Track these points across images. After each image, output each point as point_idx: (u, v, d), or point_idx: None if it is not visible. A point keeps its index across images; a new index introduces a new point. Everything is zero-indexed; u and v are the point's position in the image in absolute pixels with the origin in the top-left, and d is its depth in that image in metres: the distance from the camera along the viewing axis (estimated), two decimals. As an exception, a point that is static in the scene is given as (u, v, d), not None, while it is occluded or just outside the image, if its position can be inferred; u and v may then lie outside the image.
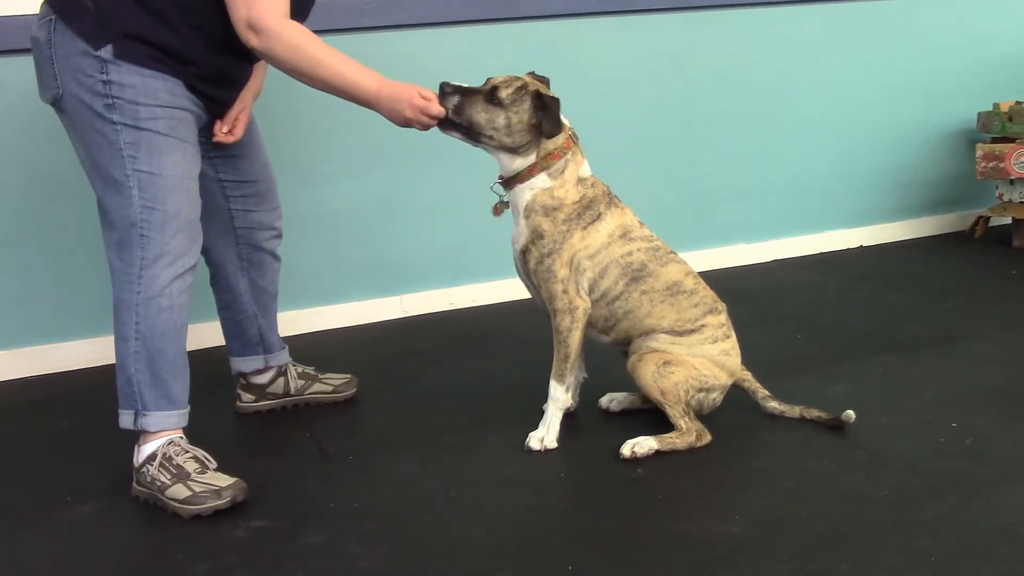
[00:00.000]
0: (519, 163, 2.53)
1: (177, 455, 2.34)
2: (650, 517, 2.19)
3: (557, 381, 2.55)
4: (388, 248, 3.96)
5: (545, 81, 2.63)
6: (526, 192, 2.54)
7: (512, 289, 4.12)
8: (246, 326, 2.86)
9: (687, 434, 2.50)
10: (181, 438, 2.39)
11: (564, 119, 2.53)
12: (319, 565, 2.02)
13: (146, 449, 2.36)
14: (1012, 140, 4.61)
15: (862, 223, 4.90)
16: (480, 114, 2.45)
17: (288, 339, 3.02)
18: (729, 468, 2.41)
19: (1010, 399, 2.71)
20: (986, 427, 2.53)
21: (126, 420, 2.38)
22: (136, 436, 2.39)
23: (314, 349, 3.41)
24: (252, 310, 2.84)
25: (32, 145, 3.33)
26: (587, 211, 2.54)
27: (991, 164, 4.61)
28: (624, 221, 2.59)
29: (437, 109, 2.40)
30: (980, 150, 4.64)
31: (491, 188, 2.65)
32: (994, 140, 4.71)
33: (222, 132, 2.57)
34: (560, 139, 2.53)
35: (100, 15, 2.25)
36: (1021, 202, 4.64)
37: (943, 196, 5.09)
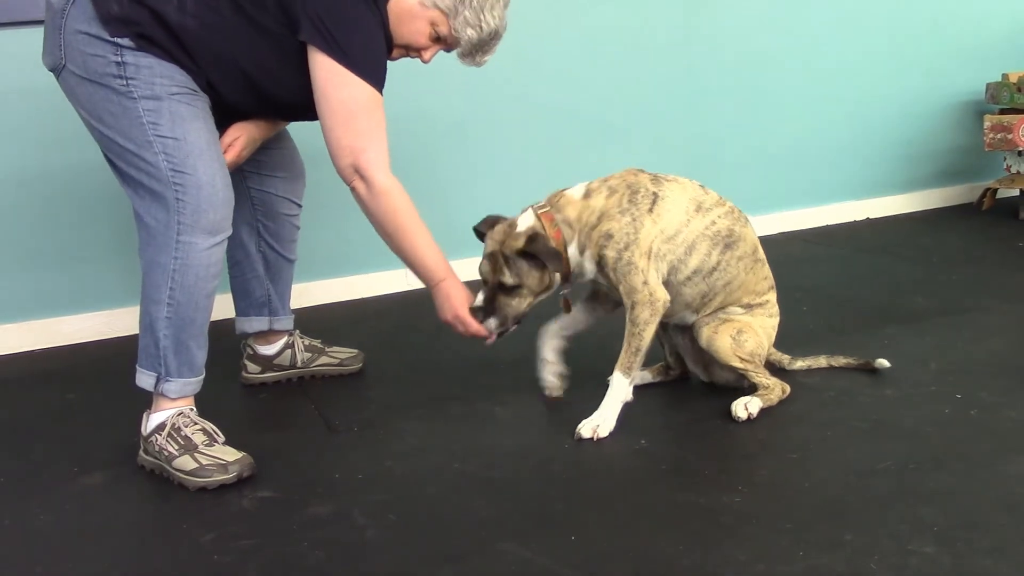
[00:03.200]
0: (557, 278, 2.51)
1: (186, 426, 2.34)
2: (654, 487, 2.20)
3: (623, 373, 2.46)
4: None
5: (490, 223, 2.58)
6: (580, 253, 2.50)
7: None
8: (254, 286, 2.86)
9: (774, 390, 2.54)
10: (191, 410, 2.39)
11: (525, 216, 2.50)
12: (325, 535, 2.03)
13: (155, 418, 2.37)
14: (1021, 111, 4.58)
15: (869, 195, 4.88)
16: (511, 307, 2.48)
17: (294, 311, 3.03)
18: (732, 439, 2.42)
19: (1016, 371, 2.70)
20: (991, 398, 2.53)
21: (146, 381, 2.37)
22: (145, 403, 2.40)
23: (320, 321, 3.42)
24: (261, 271, 2.85)
25: (38, 119, 3.32)
26: (636, 195, 2.47)
27: (999, 135, 4.58)
28: (688, 194, 2.53)
29: (476, 329, 2.49)
30: (988, 121, 4.62)
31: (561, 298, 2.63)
32: (1002, 111, 4.68)
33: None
34: (539, 224, 2.47)
35: (124, 14, 2.23)
36: (1029, 174, 4.62)
37: (950, 168, 5.07)
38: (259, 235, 2.80)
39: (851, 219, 4.81)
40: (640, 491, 2.19)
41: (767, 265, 2.65)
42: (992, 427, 2.38)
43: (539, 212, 2.49)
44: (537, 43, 4.02)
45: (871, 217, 4.85)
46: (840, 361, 2.75)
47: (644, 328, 2.44)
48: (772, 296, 2.65)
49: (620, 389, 2.47)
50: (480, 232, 2.59)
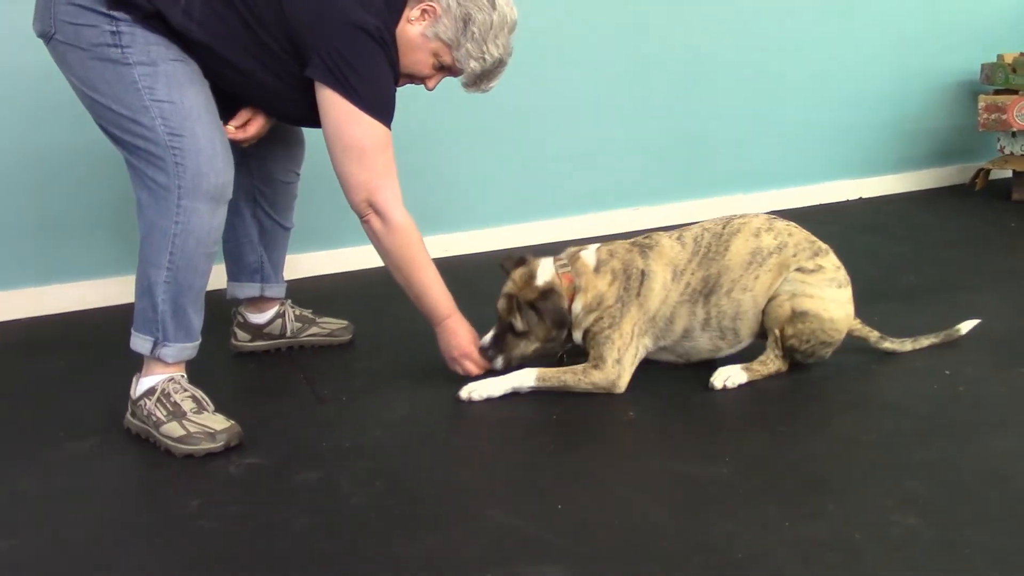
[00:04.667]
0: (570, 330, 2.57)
1: (176, 392, 2.33)
2: (641, 458, 2.21)
3: (537, 377, 2.50)
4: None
5: (515, 262, 2.64)
6: (579, 329, 2.57)
7: (510, 237, 4.12)
8: (247, 251, 2.85)
9: (774, 363, 2.54)
10: (182, 376, 2.38)
11: (544, 267, 2.57)
12: (311, 502, 2.04)
13: (145, 382, 2.36)
14: (1015, 92, 4.58)
15: (862, 174, 4.88)
16: (518, 349, 2.57)
17: (286, 284, 3.02)
18: (721, 412, 2.42)
19: (1004, 348, 2.71)
20: (978, 374, 2.54)
21: (143, 345, 2.35)
22: (136, 368, 2.39)
23: (310, 293, 3.41)
24: (256, 237, 2.84)
25: (28, 89, 3.30)
26: (630, 279, 2.53)
27: (993, 116, 4.58)
28: (666, 259, 2.55)
29: (478, 369, 2.59)
30: (982, 101, 4.61)
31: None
32: (997, 92, 4.68)
33: (232, 128, 2.52)
34: (557, 281, 2.54)
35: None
36: (1022, 155, 4.62)
37: (944, 148, 5.07)
38: (255, 201, 2.79)
39: (844, 198, 4.81)
40: (627, 462, 2.20)
41: (791, 242, 2.54)
42: (979, 402, 2.38)
43: (560, 270, 2.57)
44: (535, 27, 3.99)
45: (864, 196, 4.85)
46: (923, 343, 2.70)
47: (584, 387, 2.50)
48: (825, 260, 2.55)
49: (523, 380, 2.51)
50: (506, 269, 2.65)
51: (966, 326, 2.74)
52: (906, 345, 2.69)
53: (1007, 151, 4.68)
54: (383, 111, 2.41)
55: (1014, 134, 4.63)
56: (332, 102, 2.36)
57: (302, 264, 3.79)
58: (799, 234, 2.58)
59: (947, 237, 4.05)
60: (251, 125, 2.56)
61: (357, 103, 2.35)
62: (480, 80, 2.57)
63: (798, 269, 2.51)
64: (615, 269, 2.55)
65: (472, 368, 2.59)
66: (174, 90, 2.24)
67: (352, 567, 1.79)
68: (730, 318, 2.54)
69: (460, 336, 2.60)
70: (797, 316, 2.49)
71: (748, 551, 1.78)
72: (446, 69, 2.55)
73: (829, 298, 2.51)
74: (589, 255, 2.60)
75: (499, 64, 2.55)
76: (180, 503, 2.06)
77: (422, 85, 2.60)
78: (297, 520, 1.96)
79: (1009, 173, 4.75)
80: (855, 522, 1.85)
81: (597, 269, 2.56)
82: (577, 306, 2.55)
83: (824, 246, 2.59)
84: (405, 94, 3.82)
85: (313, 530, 1.92)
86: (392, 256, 2.53)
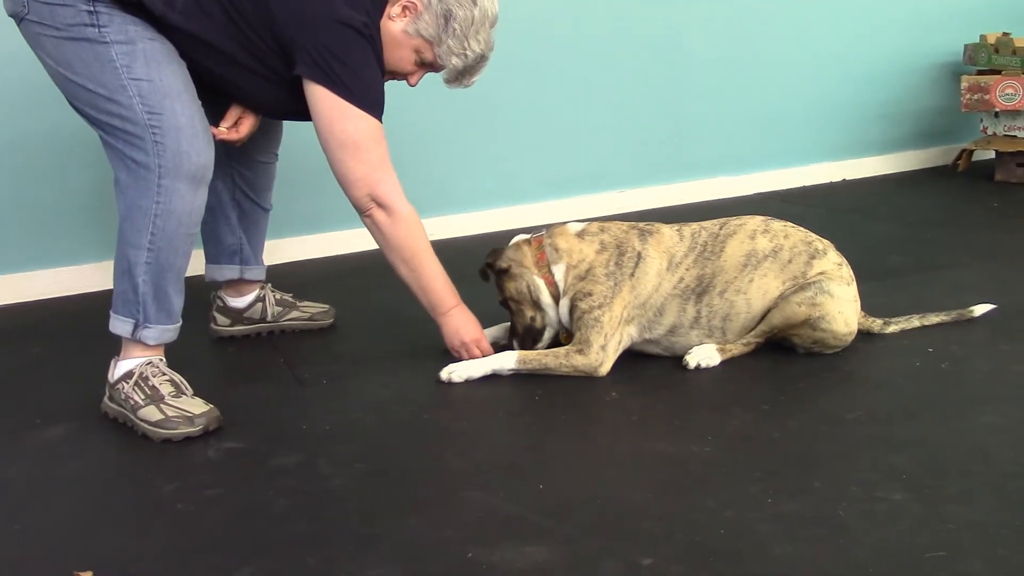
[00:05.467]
0: (543, 296, 2.56)
1: (154, 376, 2.30)
2: (623, 437, 2.19)
3: (518, 360, 2.49)
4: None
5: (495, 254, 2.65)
6: (566, 297, 2.54)
7: (495, 220, 4.10)
8: (225, 233, 2.81)
9: (749, 345, 2.54)
10: (161, 360, 2.35)
11: (515, 242, 2.62)
12: (290, 484, 2.01)
13: (123, 366, 2.33)
14: (998, 72, 4.57)
15: (845, 156, 4.88)
16: (519, 323, 2.60)
17: (268, 269, 2.99)
18: (703, 391, 2.41)
19: (987, 325, 2.70)
20: (962, 352, 2.53)
21: (123, 327, 2.31)
22: (111, 351, 2.36)
23: (293, 278, 3.39)
24: (235, 219, 2.80)
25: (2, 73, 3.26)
26: (624, 256, 2.50)
27: (976, 96, 4.58)
28: (664, 247, 2.53)
29: (480, 356, 2.56)
30: (965, 82, 4.61)
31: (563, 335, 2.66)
32: (980, 72, 4.67)
33: (224, 129, 2.51)
34: (521, 253, 2.57)
35: None
36: (1005, 135, 4.62)
37: (927, 129, 5.07)
38: (234, 182, 2.76)
39: (828, 180, 4.80)
40: (609, 441, 2.18)
41: (787, 244, 2.52)
42: (963, 379, 2.38)
43: (532, 236, 2.61)
44: (516, 7, 3.97)
45: (847, 178, 4.84)
46: (932, 320, 2.69)
47: (565, 371, 2.47)
48: (823, 263, 2.52)
49: (503, 362, 2.50)
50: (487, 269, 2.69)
51: (980, 309, 2.73)
52: (912, 322, 2.68)
53: (990, 131, 4.68)
54: (374, 105, 2.39)
55: (997, 114, 4.63)
56: (322, 98, 2.34)
57: (283, 249, 3.76)
58: (795, 236, 2.56)
59: (931, 217, 4.04)
60: (242, 124, 2.54)
61: (348, 98, 2.33)
62: (462, 76, 2.54)
63: (820, 272, 2.50)
64: (605, 241, 2.53)
65: (478, 353, 2.57)
66: (152, 68, 2.20)
67: (331, 548, 1.77)
68: (720, 318, 2.52)
69: (464, 327, 2.58)
70: (810, 323, 2.47)
71: (731, 528, 1.76)
72: (428, 65, 2.52)
73: (849, 312, 2.50)
74: (573, 224, 2.60)
75: (480, 60, 2.52)
76: (157, 487, 2.03)
77: (404, 81, 2.57)
78: (276, 503, 1.94)
79: (992, 154, 4.75)
80: (840, 498, 1.84)
81: (581, 235, 2.55)
82: (558, 271, 2.53)
83: (822, 245, 2.57)
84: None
85: (292, 512, 1.90)
86: (399, 249, 2.50)
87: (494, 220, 4.10)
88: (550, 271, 2.54)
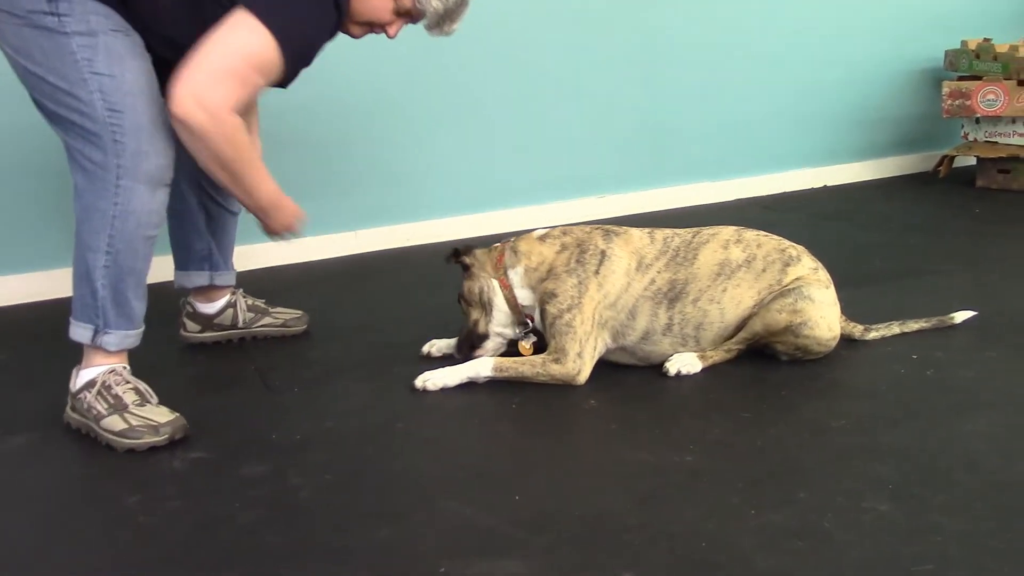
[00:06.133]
0: (497, 299, 2.51)
1: (117, 385, 2.22)
2: (602, 446, 2.13)
3: (494, 368, 2.42)
4: (344, 182, 3.86)
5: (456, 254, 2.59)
6: (524, 294, 2.50)
7: (471, 226, 4.04)
8: (194, 239, 2.74)
9: (730, 352, 2.49)
10: (124, 368, 2.27)
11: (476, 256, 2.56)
12: (257, 495, 1.94)
13: (85, 375, 2.25)
14: (979, 78, 4.55)
15: (826, 163, 4.85)
16: (468, 320, 2.56)
17: (240, 275, 2.92)
18: (684, 399, 2.35)
19: (971, 332, 2.66)
20: (946, 359, 2.49)
21: (82, 334, 2.23)
22: (77, 358, 2.28)
23: (266, 284, 3.31)
24: (203, 224, 2.72)
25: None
26: (585, 254, 2.44)
27: (957, 102, 4.56)
28: (632, 247, 2.48)
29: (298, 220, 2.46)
30: (947, 87, 4.59)
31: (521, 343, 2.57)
32: (961, 78, 4.65)
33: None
34: (485, 255, 2.54)
35: None
36: (986, 141, 4.60)
37: (908, 136, 5.05)
38: (200, 186, 2.67)
39: (808, 186, 4.77)
40: (588, 450, 2.13)
41: (760, 253, 2.49)
42: (948, 386, 2.33)
43: (502, 242, 2.57)
44: (494, 10, 3.91)
45: (828, 184, 4.81)
46: (913, 326, 2.65)
47: (542, 379, 2.41)
48: (798, 269, 2.48)
49: (479, 369, 2.43)
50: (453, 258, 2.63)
51: (961, 316, 2.69)
52: (893, 329, 2.65)
53: (971, 137, 4.66)
54: (287, 36, 2.12)
55: (978, 120, 4.61)
56: (232, 13, 2.12)
57: (256, 254, 3.68)
58: (768, 244, 2.52)
59: (912, 223, 4.01)
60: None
61: (257, 13, 2.09)
62: (443, 21, 2.40)
63: (797, 279, 2.46)
64: (566, 242, 2.49)
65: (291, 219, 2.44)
66: (115, 63, 2.13)
67: (298, 561, 1.70)
68: (693, 327, 2.47)
69: (289, 206, 2.43)
70: (791, 330, 2.42)
71: (713, 539, 1.71)
72: (406, 14, 2.38)
73: (831, 316, 2.45)
74: (538, 231, 2.56)
75: (462, 3, 2.40)
76: (119, 499, 1.95)
77: (383, 34, 2.43)
78: (242, 514, 1.87)
79: (973, 160, 4.73)
80: (824, 509, 1.79)
81: (543, 239, 2.52)
82: (516, 275, 2.49)
83: (795, 251, 2.52)
84: (363, 80, 3.74)
85: (258, 524, 1.83)
86: (224, 146, 2.15)
87: (473, 225, 4.05)
88: (507, 274, 2.50)
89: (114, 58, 2.13)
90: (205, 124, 2.09)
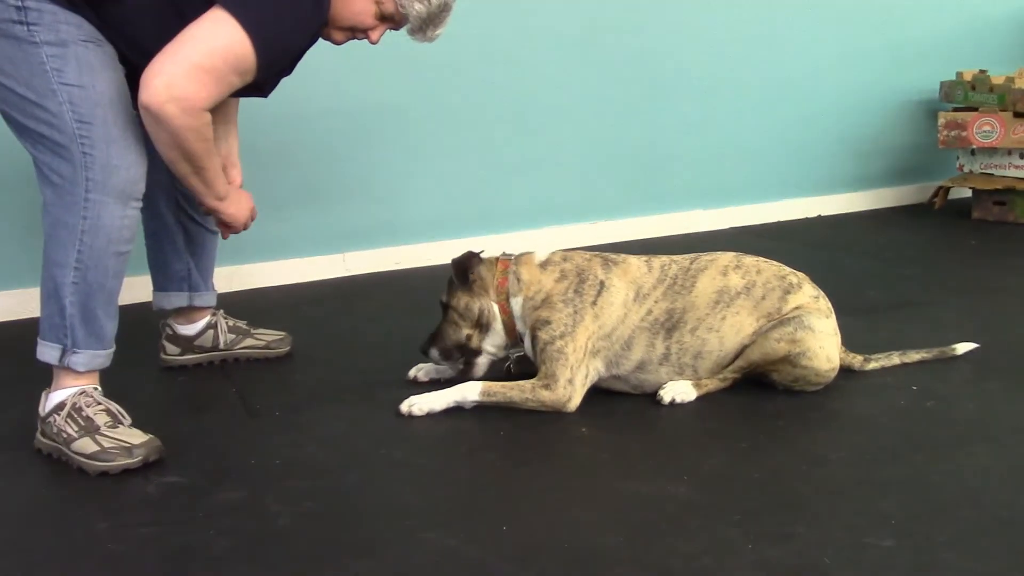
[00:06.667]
0: (496, 324, 2.46)
1: (88, 406, 2.14)
2: (593, 475, 2.05)
3: (482, 392, 2.35)
4: (332, 204, 3.79)
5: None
6: (521, 322, 2.44)
7: (462, 250, 3.96)
8: (172, 259, 2.66)
9: (725, 381, 2.42)
10: (96, 389, 2.19)
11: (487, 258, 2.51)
12: (232, 522, 1.86)
13: (55, 397, 2.16)
14: (975, 109, 4.52)
15: (821, 192, 4.80)
16: (447, 334, 2.48)
17: (223, 296, 2.85)
18: (678, 429, 2.28)
19: (971, 363, 2.60)
20: (947, 390, 2.42)
21: (50, 354, 2.15)
22: (47, 380, 2.19)
23: (250, 306, 3.23)
24: (181, 244, 2.65)
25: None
26: (584, 283, 2.38)
27: (953, 133, 4.52)
28: (631, 277, 2.41)
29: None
30: (942, 118, 4.56)
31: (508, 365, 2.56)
32: (956, 109, 4.62)
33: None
34: (489, 273, 2.47)
35: None
36: (982, 173, 4.56)
37: (903, 167, 5.01)
38: (177, 204, 2.60)
39: (803, 215, 4.72)
40: (579, 480, 2.05)
41: (760, 280, 2.42)
42: (950, 418, 2.27)
43: (500, 257, 2.49)
44: (490, 33, 3.87)
45: (823, 214, 4.76)
46: (914, 357, 2.59)
47: (531, 405, 2.34)
48: (798, 298, 2.41)
49: (466, 393, 2.36)
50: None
51: (963, 347, 2.63)
52: (893, 359, 2.58)
53: (966, 169, 4.62)
54: (261, 37, 2.06)
55: (973, 152, 4.57)
56: (209, 11, 2.07)
57: (240, 276, 3.61)
58: (768, 271, 2.45)
59: (908, 254, 3.96)
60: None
61: (233, 11, 2.04)
62: (426, 26, 2.34)
63: (797, 307, 2.40)
64: (566, 270, 2.42)
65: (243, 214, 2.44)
66: (85, 74, 2.06)
67: (273, 595, 1.62)
68: (692, 356, 2.40)
69: (246, 198, 2.45)
70: (790, 360, 2.36)
71: (708, 575, 1.63)
72: (389, 19, 2.32)
73: (830, 347, 2.39)
74: (540, 253, 2.49)
75: (444, 8, 2.34)
76: (88, 525, 1.87)
77: (366, 40, 2.36)
78: (216, 543, 1.78)
79: (968, 192, 4.69)
80: (825, 544, 1.71)
81: (544, 266, 2.44)
82: (516, 304, 2.43)
83: (796, 279, 2.46)
84: (357, 104, 3.68)
85: (232, 553, 1.74)
86: (194, 142, 2.10)
87: (465, 249, 3.96)
88: (508, 301, 2.43)
89: (84, 68, 2.06)
90: (175, 116, 2.03)
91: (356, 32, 2.34)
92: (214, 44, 2.05)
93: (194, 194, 2.33)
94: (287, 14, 2.13)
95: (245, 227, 2.49)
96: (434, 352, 2.48)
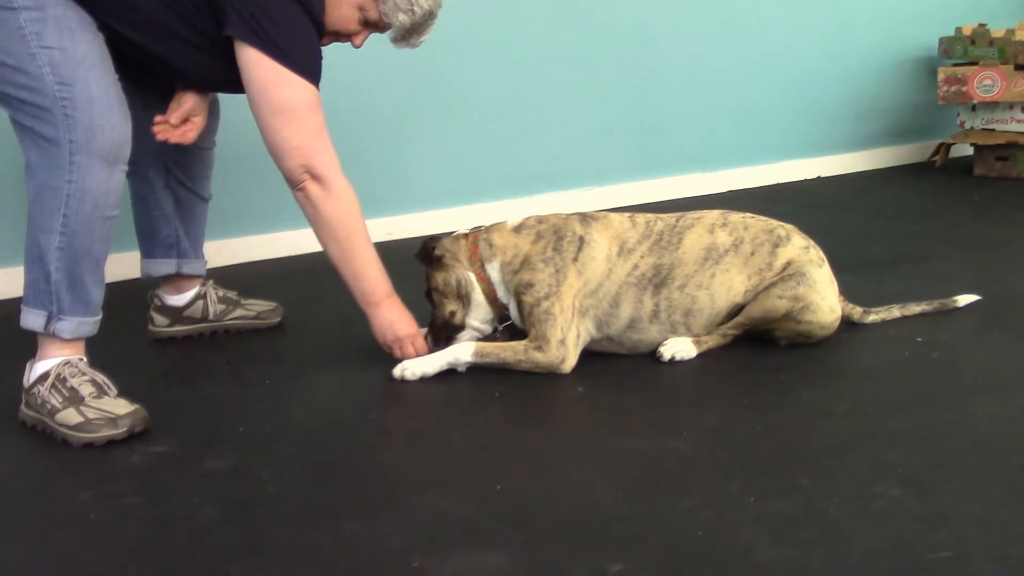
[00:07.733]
0: (476, 295, 2.40)
1: (72, 377, 2.08)
2: (591, 434, 2.00)
3: (475, 353, 2.29)
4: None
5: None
6: (502, 289, 2.38)
7: (454, 220, 3.90)
8: (160, 225, 2.60)
9: (727, 337, 2.38)
10: (81, 360, 2.13)
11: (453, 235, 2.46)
12: (220, 490, 1.80)
13: (39, 368, 2.11)
14: (975, 64, 4.45)
15: (820, 153, 4.74)
16: (437, 316, 2.44)
17: (213, 270, 2.79)
18: (678, 385, 2.22)
19: (976, 315, 2.54)
20: (952, 341, 2.37)
21: (35, 321, 2.09)
22: (31, 355, 2.14)
23: (240, 280, 3.16)
24: (170, 209, 2.59)
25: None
26: (563, 240, 2.32)
27: (953, 88, 4.45)
28: (613, 232, 2.35)
29: (416, 351, 2.36)
30: (942, 74, 4.49)
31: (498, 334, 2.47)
32: (956, 65, 4.55)
33: (170, 124, 2.37)
34: (456, 245, 2.42)
35: None
36: (983, 129, 4.49)
37: (903, 125, 4.94)
38: (168, 169, 2.54)
39: (803, 177, 4.65)
40: (576, 439, 2.00)
41: (748, 235, 2.36)
42: (956, 368, 2.21)
43: (470, 231, 2.44)
44: (479, 1, 3.80)
45: (823, 175, 4.69)
46: (914, 309, 2.53)
47: (525, 367, 2.28)
48: (788, 251, 2.35)
49: (459, 354, 2.31)
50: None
51: (964, 299, 2.57)
52: (893, 312, 2.52)
53: (967, 125, 4.55)
54: (311, 69, 2.21)
55: (974, 107, 4.50)
56: (256, 62, 2.15)
57: (230, 250, 3.54)
58: (755, 226, 2.39)
59: (910, 212, 3.90)
60: (191, 125, 2.41)
61: (283, 61, 2.15)
62: (409, 34, 2.36)
63: (788, 261, 2.35)
64: (542, 231, 2.36)
65: (412, 351, 2.37)
66: (64, 36, 2.01)
67: (260, 560, 1.56)
68: (682, 313, 2.34)
69: (404, 317, 2.37)
70: (792, 316, 2.30)
71: (710, 530, 1.58)
72: (372, 25, 2.34)
73: (831, 296, 2.34)
74: (512, 219, 2.44)
75: (429, 17, 2.34)
76: (70, 496, 1.81)
77: (349, 43, 2.39)
78: (202, 511, 1.73)
79: (970, 149, 4.62)
80: (830, 495, 1.66)
81: (518, 230, 2.39)
82: (493, 270, 2.37)
83: (784, 231, 2.40)
84: (347, 71, 3.60)
85: (219, 521, 1.69)
86: (332, 226, 2.30)
87: (457, 219, 3.90)
88: (483, 268, 2.38)
89: (64, 31, 2.01)
90: (316, 197, 2.26)
91: (340, 36, 2.37)
92: (299, 104, 2.20)
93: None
94: (302, 36, 2.22)
95: (394, 352, 2.40)
96: (429, 339, 2.43)
